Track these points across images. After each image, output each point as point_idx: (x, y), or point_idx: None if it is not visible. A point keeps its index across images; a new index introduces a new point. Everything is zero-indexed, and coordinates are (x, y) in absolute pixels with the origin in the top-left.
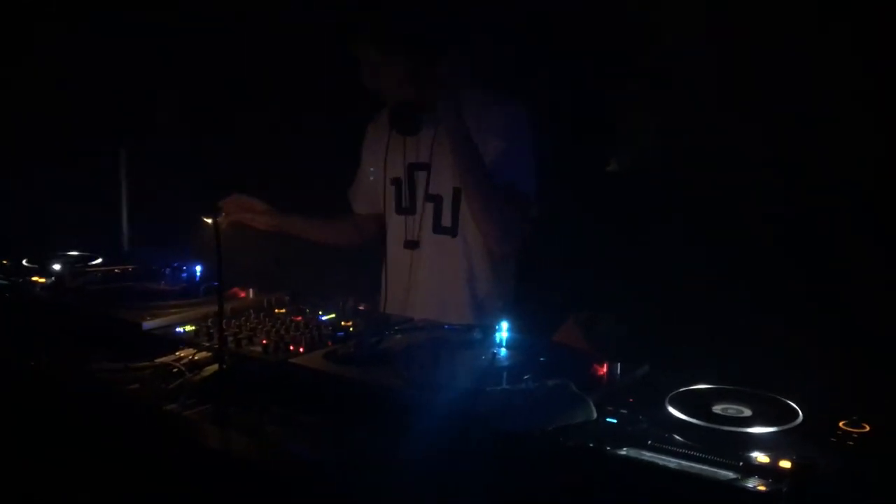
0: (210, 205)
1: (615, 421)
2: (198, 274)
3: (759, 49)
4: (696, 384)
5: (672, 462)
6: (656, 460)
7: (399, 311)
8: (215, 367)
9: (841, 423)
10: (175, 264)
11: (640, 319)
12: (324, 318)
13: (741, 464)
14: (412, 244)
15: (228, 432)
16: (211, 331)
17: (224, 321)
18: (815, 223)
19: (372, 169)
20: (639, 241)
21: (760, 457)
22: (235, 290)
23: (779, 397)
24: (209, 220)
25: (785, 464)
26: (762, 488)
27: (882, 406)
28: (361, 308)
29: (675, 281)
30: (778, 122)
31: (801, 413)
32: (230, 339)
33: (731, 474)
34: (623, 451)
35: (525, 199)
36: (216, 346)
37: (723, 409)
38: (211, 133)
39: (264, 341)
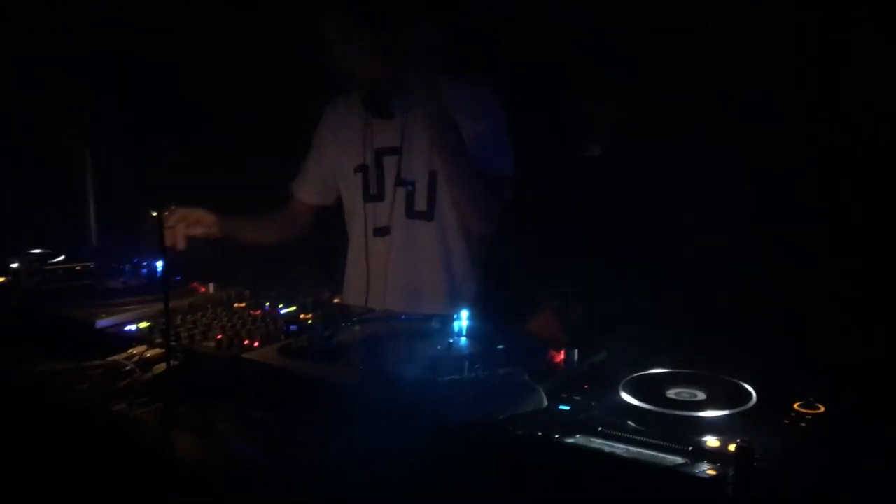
0: (154, 199)
1: (568, 408)
2: (159, 270)
3: (726, 31)
4: (652, 369)
5: (620, 448)
6: (604, 447)
7: (373, 300)
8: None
9: (795, 405)
10: (136, 260)
11: (604, 304)
12: (283, 311)
13: (690, 448)
14: (382, 231)
15: (173, 433)
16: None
17: (180, 317)
18: (776, 208)
19: (327, 157)
20: (606, 225)
21: (711, 440)
22: (195, 284)
23: (733, 380)
24: (155, 214)
25: (733, 447)
26: (711, 472)
27: (837, 388)
28: (336, 301)
29: (642, 266)
30: (743, 107)
31: (754, 395)
32: (184, 334)
33: (679, 459)
34: (573, 439)
35: (502, 180)
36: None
37: (676, 394)
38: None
39: (219, 336)
